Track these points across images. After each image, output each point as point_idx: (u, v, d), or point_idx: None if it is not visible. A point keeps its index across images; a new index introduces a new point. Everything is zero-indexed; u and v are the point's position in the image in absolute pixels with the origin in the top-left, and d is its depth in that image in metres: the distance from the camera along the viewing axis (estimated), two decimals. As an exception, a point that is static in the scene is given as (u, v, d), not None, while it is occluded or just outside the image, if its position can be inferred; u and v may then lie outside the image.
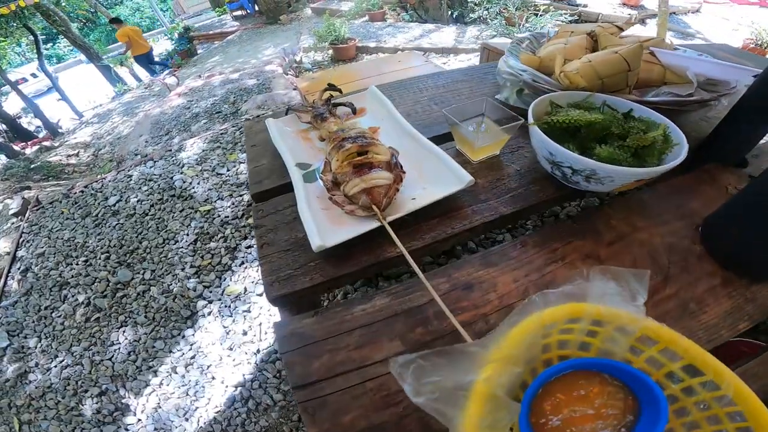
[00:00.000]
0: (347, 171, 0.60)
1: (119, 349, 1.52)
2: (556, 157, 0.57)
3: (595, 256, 0.52)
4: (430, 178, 0.65)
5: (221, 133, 2.62)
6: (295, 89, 3.42)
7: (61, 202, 2.35)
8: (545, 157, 0.60)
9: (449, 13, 5.38)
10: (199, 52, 7.46)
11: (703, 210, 0.61)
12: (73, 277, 1.86)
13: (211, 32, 8.32)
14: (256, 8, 8.44)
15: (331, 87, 0.90)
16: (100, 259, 1.90)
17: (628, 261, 0.51)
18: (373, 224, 0.55)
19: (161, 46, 9.58)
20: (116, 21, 6.55)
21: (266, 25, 7.39)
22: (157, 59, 7.07)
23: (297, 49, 4.67)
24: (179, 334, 1.52)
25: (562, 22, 4.17)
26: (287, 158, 0.71)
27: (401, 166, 0.63)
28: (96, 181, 2.46)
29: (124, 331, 1.57)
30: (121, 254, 1.89)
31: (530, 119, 0.61)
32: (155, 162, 2.52)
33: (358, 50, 4.59)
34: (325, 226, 0.57)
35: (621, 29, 0.84)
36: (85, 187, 2.42)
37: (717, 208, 0.58)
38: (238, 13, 8.97)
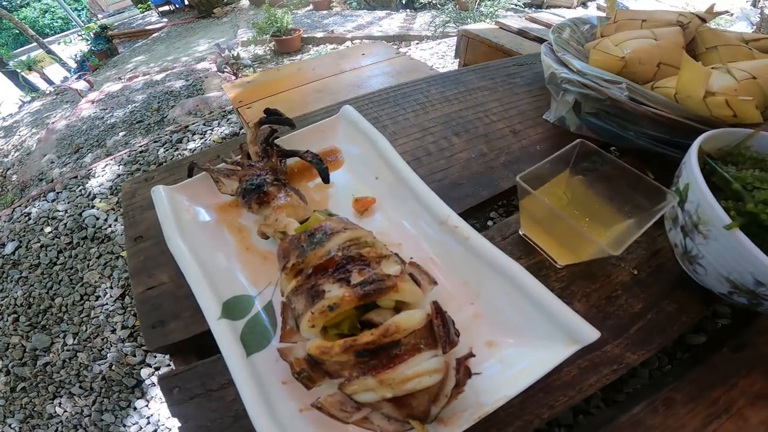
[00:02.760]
0: (345, 361, 0.27)
1: (61, 422, 1.29)
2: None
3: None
4: (502, 321, 0.34)
5: (141, 151, 2.17)
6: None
7: (-52, 251, 1.85)
8: (732, 278, 0.31)
9: (398, -1, 5.15)
10: (120, 51, 6.65)
11: None
12: (-20, 343, 1.54)
13: (134, 30, 7.44)
14: (186, 2, 7.68)
15: (273, 116, 0.48)
16: (7, 321, 1.60)
17: (812, 392, 0.34)
18: None
19: (75, 47, 8.40)
20: None
21: (198, 20, 6.72)
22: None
23: (234, 43, 4.20)
24: (129, 406, 1.28)
25: (516, 5, 4.07)
26: (201, 294, 0.36)
27: (454, 325, 0.29)
28: (-17, 223, 1.96)
29: (60, 403, 1.33)
30: (31, 315, 1.55)
31: (719, 211, 0.31)
32: (58, 194, 2.03)
33: (303, 41, 4.21)
34: None
35: (704, 20, 0.61)
36: (-30, 231, 1.92)
37: None
38: (165, 8, 8.09)
